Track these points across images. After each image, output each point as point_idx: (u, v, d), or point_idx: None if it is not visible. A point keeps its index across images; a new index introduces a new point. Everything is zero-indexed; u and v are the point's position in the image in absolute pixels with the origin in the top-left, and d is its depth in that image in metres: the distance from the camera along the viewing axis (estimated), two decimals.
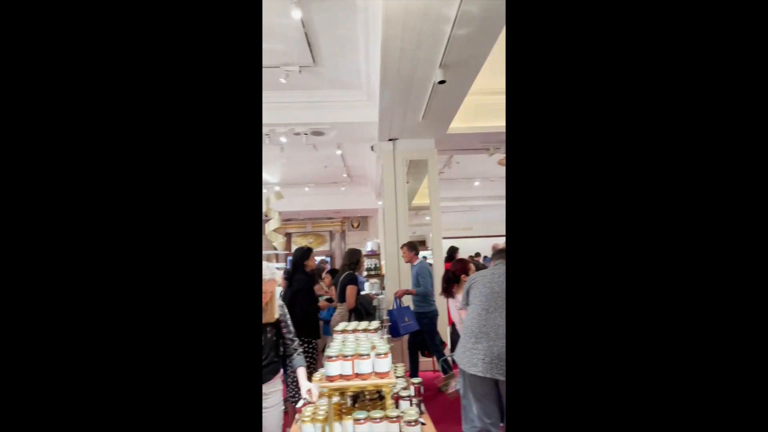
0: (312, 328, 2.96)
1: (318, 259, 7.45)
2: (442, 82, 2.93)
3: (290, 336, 1.90)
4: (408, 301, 3.87)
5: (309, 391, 1.72)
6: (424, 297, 3.70)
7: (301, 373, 1.84)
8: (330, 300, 3.77)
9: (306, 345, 2.86)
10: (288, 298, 2.89)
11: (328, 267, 6.08)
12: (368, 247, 7.06)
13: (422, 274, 3.70)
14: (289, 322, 1.93)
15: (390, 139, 4.43)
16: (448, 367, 3.56)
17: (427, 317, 3.65)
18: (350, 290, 3.27)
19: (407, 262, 3.92)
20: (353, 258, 3.52)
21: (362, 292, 3.55)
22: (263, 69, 3.66)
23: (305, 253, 3.09)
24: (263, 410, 1.82)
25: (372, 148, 5.07)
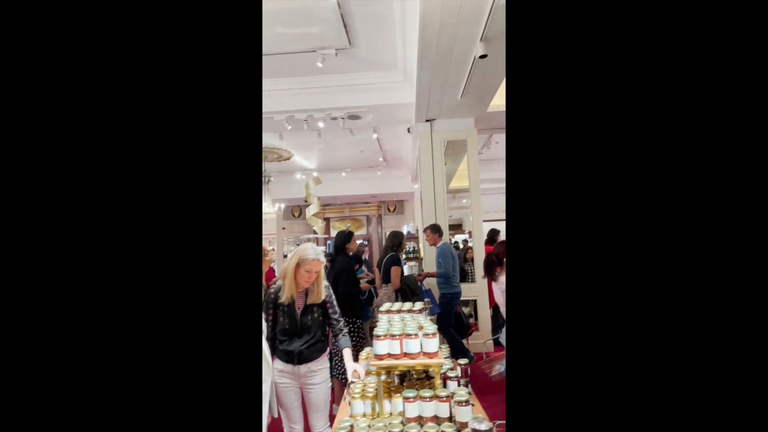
0: (355, 308, 3.05)
1: (357, 242, 7.53)
2: (483, 56, 2.80)
3: (336, 316, 1.95)
4: (431, 284, 3.87)
5: (355, 371, 1.77)
6: (446, 278, 3.69)
7: (347, 354, 1.89)
8: (371, 282, 3.81)
9: (351, 325, 2.94)
10: (331, 279, 2.98)
11: (367, 251, 6.14)
12: (405, 230, 7.05)
13: (444, 256, 3.69)
14: (335, 302, 1.98)
15: (427, 120, 4.34)
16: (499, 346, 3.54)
17: (445, 298, 3.64)
18: (395, 271, 3.31)
19: (432, 244, 3.91)
20: (396, 240, 3.56)
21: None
22: (300, 54, 3.67)
23: (347, 236, 3.19)
24: (312, 387, 1.89)
25: (408, 130, 5.00)
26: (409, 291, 3.15)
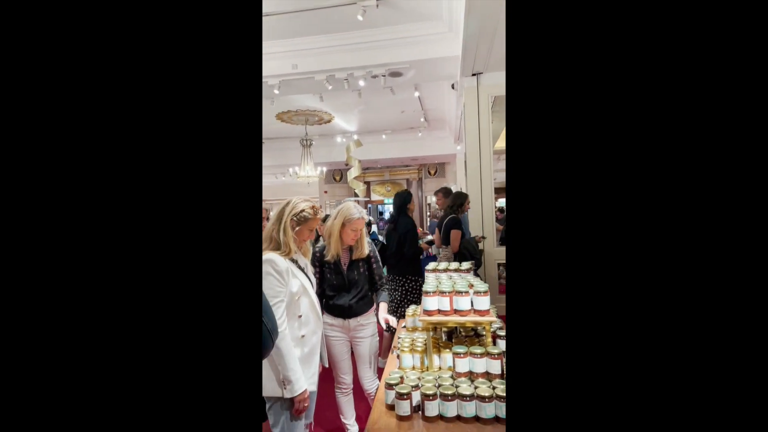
0: (418, 267, 3.12)
1: None
2: None
3: (379, 272, 2.00)
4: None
5: (386, 320, 1.92)
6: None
7: (383, 306, 2.01)
8: (431, 243, 3.81)
9: (413, 283, 3.04)
10: (395, 240, 3.05)
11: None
12: None
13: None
14: (378, 257, 2.01)
15: (473, 74, 4.09)
16: None
17: None
18: (455, 234, 3.21)
19: (441, 209, 3.77)
20: (457, 201, 3.39)
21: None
22: (339, 7, 3.53)
23: (408, 196, 3.19)
24: (360, 340, 1.96)
25: (453, 86, 4.76)
26: (468, 255, 3.09)
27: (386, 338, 2.96)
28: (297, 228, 1.57)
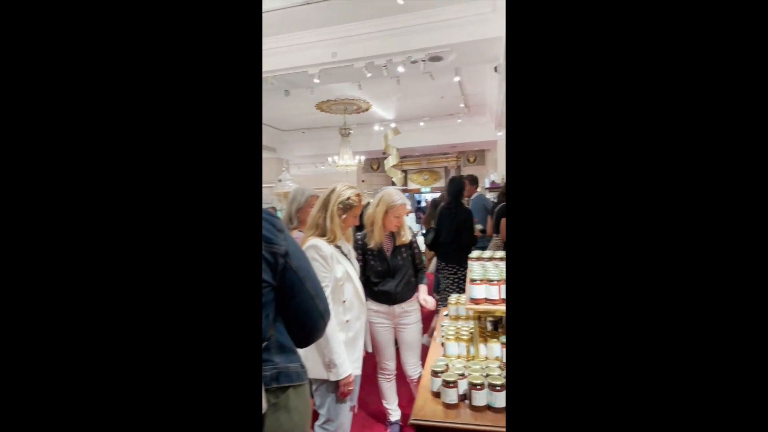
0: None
1: (438, 194, 7.43)
2: None
3: (420, 257, 2.00)
4: None
5: (425, 300, 1.95)
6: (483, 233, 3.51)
7: (422, 288, 2.03)
8: (483, 231, 3.76)
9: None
10: (454, 227, 3.04)
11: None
12: (489, 180, 6.72)
13: (476, 209, 3.51)
14: (418, 243, 2.02)
15: None
16: None
17: None
18: (504, 223, 3.18)
19: (466, 196, 3.70)
20: None
21: None
22: None
23: (463, 183, 3.19)
24: (405, 326, 1.96)
25: (495, 69, 4.57)
26: None
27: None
28: (344, 215, 1.58)
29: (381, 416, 2.25)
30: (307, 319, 0.90)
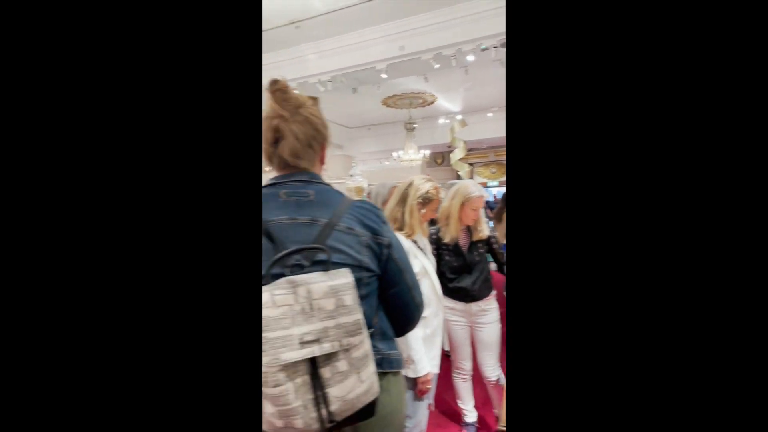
0: None
1: (503, 189, 7.09)
2: None
3: (501, 252, 1.89)
4: None
5: None
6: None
7: None
8: None
9: None
10: None
11: None
12: None
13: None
14: (498, 238, 1.91)
15: None
16: None
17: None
18: None
19: None
20: None
21: None
22: None
23: None
24: (482, 325, 1.87)
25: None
26: None
27: None
28: (422, 210, 1.54)
29: (456, 416, 2.19)
30: (405, 310, 0.92)
